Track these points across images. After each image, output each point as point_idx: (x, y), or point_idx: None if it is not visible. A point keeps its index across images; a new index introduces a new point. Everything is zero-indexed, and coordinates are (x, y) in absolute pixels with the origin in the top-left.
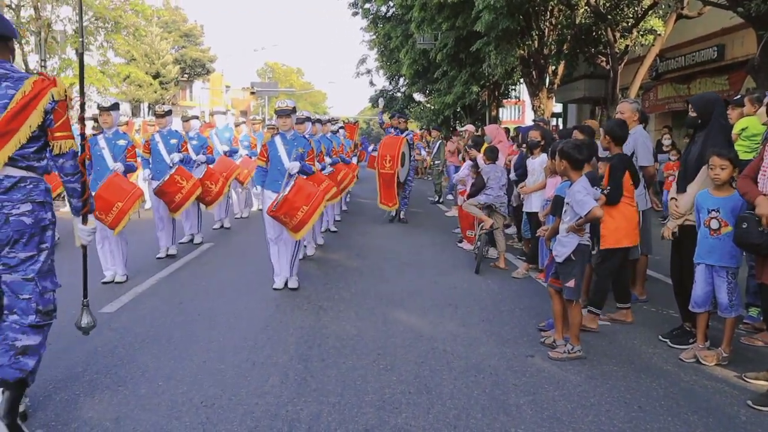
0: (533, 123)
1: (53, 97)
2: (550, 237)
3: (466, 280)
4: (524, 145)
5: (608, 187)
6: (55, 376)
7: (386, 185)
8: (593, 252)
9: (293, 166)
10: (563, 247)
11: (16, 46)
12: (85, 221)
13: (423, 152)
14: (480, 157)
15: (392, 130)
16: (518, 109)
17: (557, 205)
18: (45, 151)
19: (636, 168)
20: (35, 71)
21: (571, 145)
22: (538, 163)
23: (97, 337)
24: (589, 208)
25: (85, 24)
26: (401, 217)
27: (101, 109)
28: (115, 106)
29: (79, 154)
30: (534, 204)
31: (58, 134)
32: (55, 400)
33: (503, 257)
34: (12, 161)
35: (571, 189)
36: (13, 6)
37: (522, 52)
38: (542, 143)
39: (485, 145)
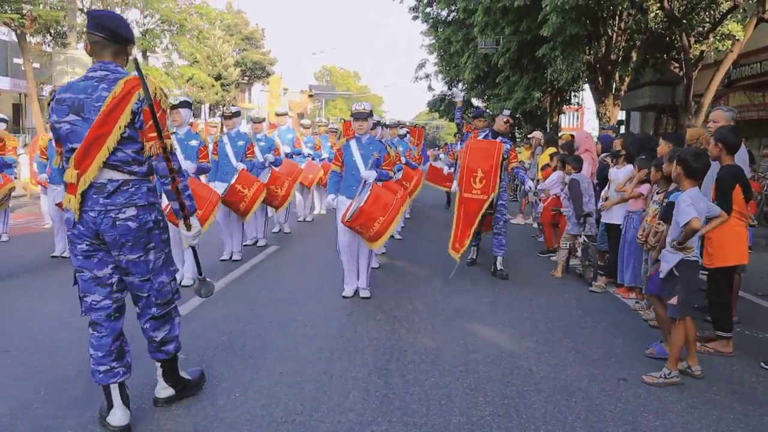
0: (601, 131)
1: (139, 97)
2: (659, 248)
3: (542, 292)
4: (605, 154)
5: (715, 201)
6: (131, 382)
7: (468, 218)
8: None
9: (369, 175)
10: (666, 261)
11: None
12: (187, 226)
13: None
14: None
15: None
16: (577, 116)
17: (668, 213)
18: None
19: (748, 180)
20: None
21: (691, 152)
22: (622, 173)
23: None
24: (688, 219)
25: (151, 27)
26: (498, 267)
27: (171, 107)
28: (184, 104)
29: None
30: (615, 215)
31: (150, 135)
32: (133, 408)
33: (561, 266)
34: (114, 165)
35: (679, 198)
36: (85, 9)
37: (588, 57)
38: (624, 153)
39: (550, 150)
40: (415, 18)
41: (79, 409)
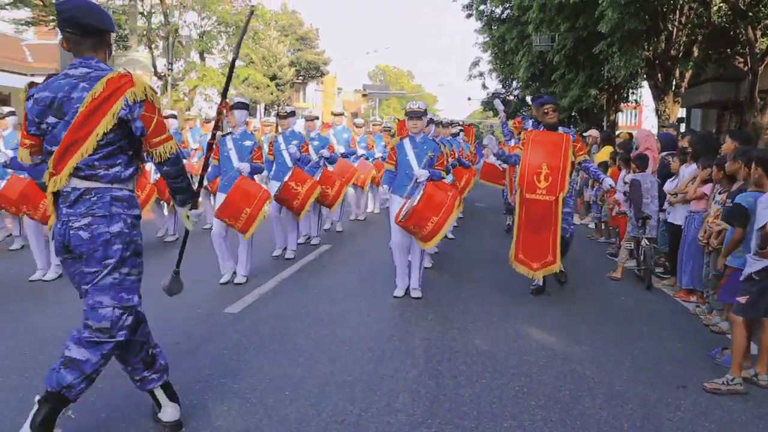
0: (661, 129)
1: (132, 101)
2: (728, 253)
3: (598, 294)
4: (666, 153)
5: None
6: (183, 379)
7: (535, 224)
8: None
9: (422, 174)
10: (749, 266)
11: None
12: (195, 204)
13: None
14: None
15: (531, 123)
16: (635, 114)
17: (734, 214)
18: (117, 157)
19: None
20: (162, 74)
21: None
22: (689, 172)
23: (222, 338)
24: (763, 223)
25: (208, 28)
26: (562, 278)
27: (229, 108)
28: (240, 105)
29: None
30: (678, 215)
31: (154, 140)
32: (185, 404)
33: (621, 268)
34: (77, 171)
35: (759, 200)
36: (145, 13)
37: (647, 53)
38: (690, 151)
39: (607, 148)
40: (469, 16)
41: (133, 403)
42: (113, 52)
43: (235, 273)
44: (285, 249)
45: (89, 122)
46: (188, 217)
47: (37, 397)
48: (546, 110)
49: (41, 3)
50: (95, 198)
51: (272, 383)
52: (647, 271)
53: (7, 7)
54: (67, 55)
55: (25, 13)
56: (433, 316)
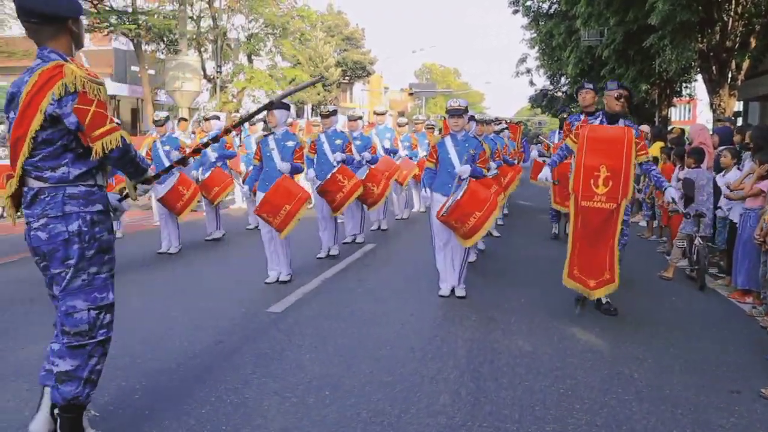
0: (716, 123)
1: (59, 94)
2: None
3: (647, 294)
4: (722, 148)
5: None
6: (225, 377)
7: (593, 235)
8: None
9: (464, 170)
10: None
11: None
12: (146, 180)
13: None
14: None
15: (582, 116)
16: (688, 109)
17: None
18: (62, 157)
19: None
20: (211, 77)
21: None
22: (746, 168)
23: (265, 337)
24: None
25: (255, 31)
26: (604, 300)
27: (267, 108)
28: (280, 105)
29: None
30: (735, 212)
31: (94, 134)
32: (225, 402)
33: (674, 267)
34: (26, 171)
35: None
36: (195, 17)
37: (701, 45)
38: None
39: (658, 144)
40: (516, 12)
41: (176, 400)
42: (164, 57)
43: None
44: (329, 249)
45: (24, 119)
46: (135, 188)
47: (55, 411)
48: (615, 95)
49: (95, 10)
50: (48, 198)
51: (313, 383)
52: (701, 270)
53: None
54: (122, 59)
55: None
56: (477, 317)
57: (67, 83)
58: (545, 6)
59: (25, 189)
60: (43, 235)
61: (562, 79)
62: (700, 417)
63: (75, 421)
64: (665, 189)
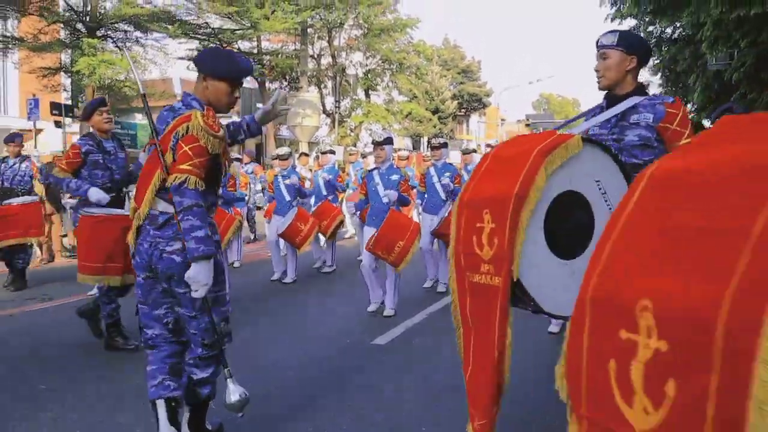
0: None
1: (181, 133)
2: None
3: None
4: None
5: None
6: (329, 407)
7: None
8: None
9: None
10: None
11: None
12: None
13: None
14: None
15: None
16: None
17: None
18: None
19: None
20: (330, 112)
21: None
22: None
23: (370, 369)
24: None
25: (372, 66)
26: None
27: (375, 144)
28: (388, 141)
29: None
30: None
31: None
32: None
33: None
34: (165, 197)
35: None
36: (315, 56)
37: None
38: None
39: None
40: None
41: (276, 427)
42: (287, 94)
43: (383, 304)
44: (437, 281)
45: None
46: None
47: (186, 411)
48: None
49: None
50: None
51: (408, 417)
52: None
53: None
54: (248, 97)
55: (177, 46)
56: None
57: (189, 126)
58: (669, 31)
59: (155, 212)
60: (179, 258)
61: (689, 106)
62: None
63: (204, 413)
64: None
